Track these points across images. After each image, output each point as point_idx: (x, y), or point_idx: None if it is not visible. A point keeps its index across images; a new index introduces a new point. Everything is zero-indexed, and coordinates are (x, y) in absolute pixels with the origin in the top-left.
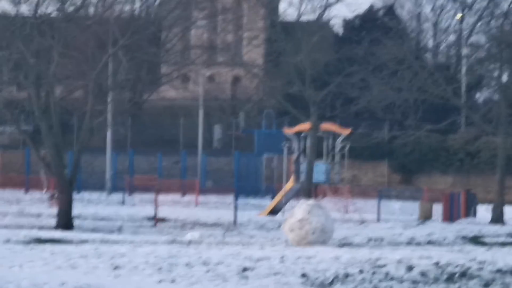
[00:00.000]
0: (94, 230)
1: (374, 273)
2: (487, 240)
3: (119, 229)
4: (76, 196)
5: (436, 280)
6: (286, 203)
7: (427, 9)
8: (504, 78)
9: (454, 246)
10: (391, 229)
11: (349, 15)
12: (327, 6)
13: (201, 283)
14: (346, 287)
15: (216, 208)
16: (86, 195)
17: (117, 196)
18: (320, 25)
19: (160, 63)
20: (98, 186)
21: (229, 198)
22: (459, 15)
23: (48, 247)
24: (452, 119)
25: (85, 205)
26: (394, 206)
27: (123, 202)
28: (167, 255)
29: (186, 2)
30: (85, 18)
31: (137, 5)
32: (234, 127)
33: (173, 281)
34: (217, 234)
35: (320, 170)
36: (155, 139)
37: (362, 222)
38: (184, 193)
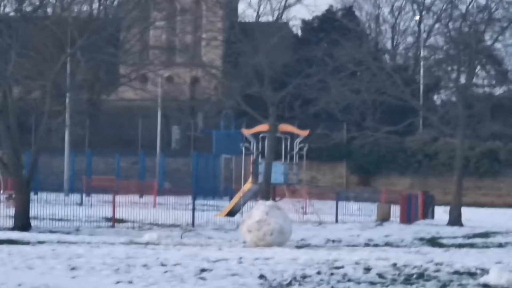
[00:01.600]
0: (51, 231)
1: (331, 274)
2: (444, 241)
3: (77, 230)
4: (33, 196)
5: (393, 281)
6: (244, 204)
7: (385, 11)
8: (462, 79)
9: (412, 247)
10: (349, 231)
11: (308, 16)
12: (286, 7)
13: (158, 284)
14: None
15: (174, 209)
16: (43, 195)
17: (75, 197)
18: (279, 26)
19: (118, 63)
20: (56, 186)
21: (188, 199)
22: (417, 17)
23: (5, 247)
24: (410, 121)
25: (42, 205)
26: (352, 207)
27: (81, 203)
28: (125, 256)
29: (145, 2)
30: (43, 18)
31: (96, 5)
32: (192, 128)
33: (130, 282)
34: (175, 235)
35: (278, 171)
36: (114, 139)
37: (320, 223)
38: (142, 194)
